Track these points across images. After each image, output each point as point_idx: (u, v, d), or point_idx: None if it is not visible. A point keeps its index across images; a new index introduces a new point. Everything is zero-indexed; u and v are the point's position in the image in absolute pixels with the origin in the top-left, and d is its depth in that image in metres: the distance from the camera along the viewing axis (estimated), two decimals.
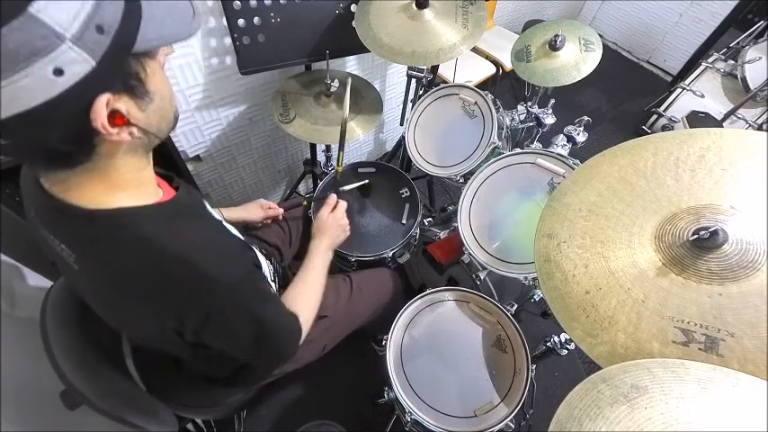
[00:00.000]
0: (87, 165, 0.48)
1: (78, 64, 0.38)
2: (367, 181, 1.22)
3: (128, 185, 0.53)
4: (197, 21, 0.49)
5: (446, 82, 1.74)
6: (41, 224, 0.55)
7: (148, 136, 0.51)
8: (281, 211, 1.11)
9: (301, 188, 1.75)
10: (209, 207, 0.70)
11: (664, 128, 2.24)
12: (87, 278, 0.56)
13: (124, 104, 0.45)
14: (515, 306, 1.07)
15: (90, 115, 0.42)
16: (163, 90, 0.51)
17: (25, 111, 0.38)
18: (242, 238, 0.75)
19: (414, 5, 1.06)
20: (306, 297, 0.82)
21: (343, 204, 1.04)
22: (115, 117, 0.44)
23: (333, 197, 1.04)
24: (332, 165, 1.55)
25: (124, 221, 0.51)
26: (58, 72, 0.37)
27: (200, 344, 0.59)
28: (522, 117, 1.32)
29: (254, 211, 1.08)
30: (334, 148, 1.81)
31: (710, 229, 0.51)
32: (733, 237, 0.52)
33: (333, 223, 0.98)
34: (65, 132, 0.43)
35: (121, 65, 0.43)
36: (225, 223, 0.70)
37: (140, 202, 0.53)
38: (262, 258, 0.85)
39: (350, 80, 1.04)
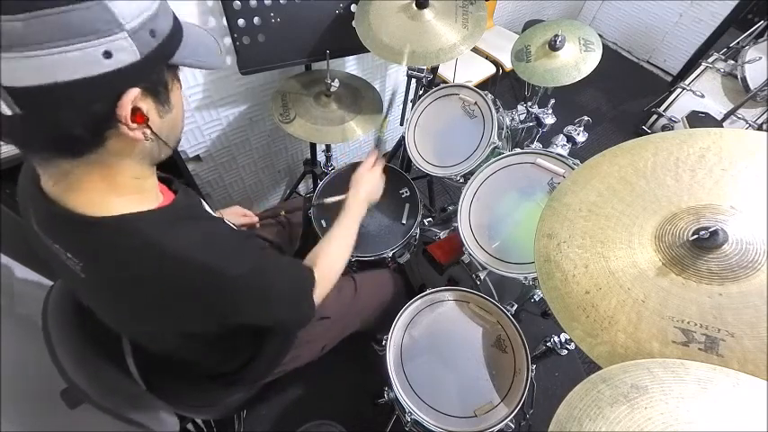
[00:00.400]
0: (92, 157, 0.48)
1: (126, 53, 0.43)
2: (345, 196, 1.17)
3: (127, 190, 0.53)
4: (222, 58, 0.59)
5: (446, 82, 1.74)
6: (43, 231, 0.54)
7: (157, 142, 0.53)
8: (257, 219, 1.10)
9: (301, 188, 1.75)
10: (206, 206, 0.70)
11: (664, 128, 2.24)
12: (95, 286, 0.56)
13: (146, 105, 0.48)
14: (515, 306, 1.07)
15: (118, 102, 0.45)
16: (179, 106, 0.56)
17: (64, 82, 0.40)
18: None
19: (414, 5, 1.06)
20: (334, 248, 0.84)
21: (382, 163, 1.04)
22: (136, 114, 0.47)
23: (374, 154, 1.04)
24: (332, 165, 1.55)
25: (128, 228, 0.51)
26: (107, 55, 0.41)
27: (224, 329, 0.62)
28: (522, 117, 1.32)
29: (230, 218, 1.05)
30: (334, 147, 1.82)
31: (710, 229, 0.51)
32: (733, 237, 0.52)
33: (371, 178, 0.99)
34: (87, 114, 0.44)
35: (158, 69, 0.49)
36: (226, 219, 0.70)
37: (141, 207, 0.53)
38: None
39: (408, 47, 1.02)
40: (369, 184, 0.98)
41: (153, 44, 0.45)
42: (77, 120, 0.44)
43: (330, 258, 0.82)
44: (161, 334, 0.63)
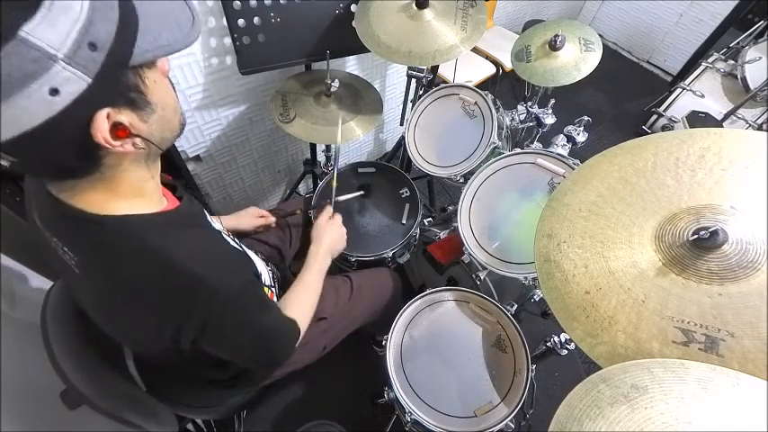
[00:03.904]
0: (95, 175, 0.49)
1: (73, 83, 0.39)
2: (362, 192, 1.18)
3: (132, 194, 0.53)
4: (196, 28, 0.49)
5: (446, 82, 1.74)
6: (44, 225, 0.55)
7: (151, 146, 0.51)
8: (274, 219, 1.09)
9: (301, 188, 1.75)
10: (209, 217, 0.70)
11: (664, 128, 2.24)
12: (87, 283, 0.56)
13: (126, 117, 0.45)
14: (515, 306, 1.07)
15: (91, 130, 0.42)
16: (166, 99, 0.51)
17: (28, 131, 0.39)
18: (242, 247, 0.75)
19: (414, 5, 1.06)
20: (302, 302, 0.81)
21: (339, 215, 1.02)
22: (118, 130, 0.45)
23: (329, 208, 1.02)
24: (332, 165, 1.55)
25: (128, 229, 0.51)
26: (54, 92, 0.38)
27: (197, 350, 0.59)
28: (522, 117, 1.32)
29: (246, 219, 1.06)
30: (334, 148, 1.81)
31: (710, 229, 0.51)
32: (733, 237, 0.52)
33: (331, 229, 0.97)
34: (70, 148, 0.43)
35: (119, 79, 0.43)
36: (224, 234, 0.70)
37: (144, 210, 0.54)
38: (261, 264, 0.85)
39: (340, 119, 1.08)
40: (330, 236, 0.95)
41: (99, 59, 0.40)
42: (63, 155, 0.44)
43: (302, 308, 0.80)
44: (144, 339, 0.61)
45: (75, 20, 0.37)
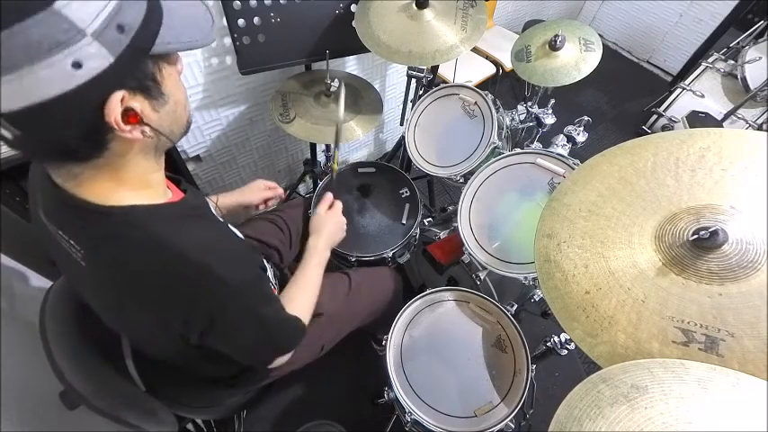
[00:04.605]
0: (99, 161, 0.48)
1: (97, 59, 0.40)
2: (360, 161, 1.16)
3: (138, 185, 0.54)
4: (213, 31, 0.52)
5: (446, 82, 1.74)
6: (49, 218, 0.55)
7: (159, 137, 0.52)
8: (281, 191, 1.07)
9: (301, 188, 1.75)
10: (213, 210, 0.70)
11: (664, 128, 2.24)
12: (93, 276, 0.56)
13: (139, 103, 0.46)
14: (515, 306, 1.07)
15: (104, 110, 0.43)
16: (177, 94, 0.53)
17: (42, 101, 0.39)
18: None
19: (414, 5, 1.07)
20: (303, 297, 0.81)
21: (339, 203, 1.02)
22: (129, 115, 0.46)
23: (329, 195, 1.02)
24: (332, 162, 1.55)
25: (135, 219, 0.51)
26: (77, 65, 0.39)
27: (203, 347, 0.59)
28: (522, 117, 1.33)
29: (252, 192, 1.02)
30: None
31: (710, 229, 0.51)
32: (733, 237, 0.52)
33: (330, 220, 0.97)
34: (79, 126, 0.44)
35: (138, 64, 0.45)
36: (230, 226, 0.70)
37: (150, 201, 0.54)
38: (264, 261, 0.85)
39: (342, 85, 1.01)
40: (328, 227, 0.94)
41: (124, 41, 0.42)
42: (70, 133, 0.44)
43: (303, 302, 0.79)
44: (151, 333, 0.61)
45: (106, 1, 0.40)
